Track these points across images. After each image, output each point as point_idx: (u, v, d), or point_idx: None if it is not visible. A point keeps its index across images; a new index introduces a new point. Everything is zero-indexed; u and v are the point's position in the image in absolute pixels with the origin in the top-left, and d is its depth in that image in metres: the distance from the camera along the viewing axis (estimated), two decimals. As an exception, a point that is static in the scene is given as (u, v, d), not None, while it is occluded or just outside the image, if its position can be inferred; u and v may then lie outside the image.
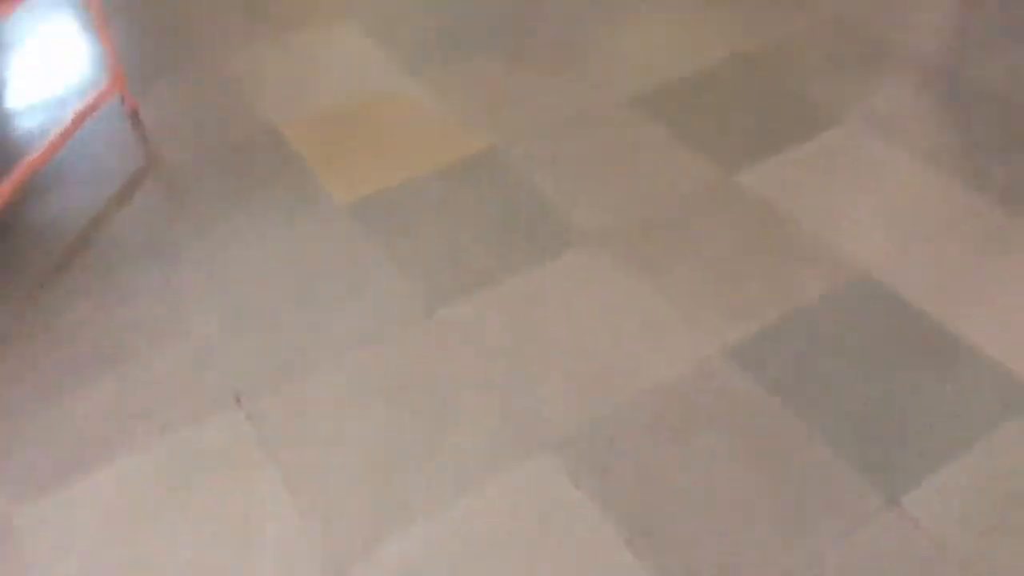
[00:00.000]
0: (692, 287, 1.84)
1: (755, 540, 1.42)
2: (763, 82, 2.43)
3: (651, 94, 2.39)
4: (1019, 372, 1.66)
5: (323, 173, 2.17)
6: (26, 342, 1.77)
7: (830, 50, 2.54)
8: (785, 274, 1.86)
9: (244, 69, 2.54)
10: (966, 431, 1.56)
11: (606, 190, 2.09)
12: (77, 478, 1.53)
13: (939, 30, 2.61)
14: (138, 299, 1.85)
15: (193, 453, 1.57)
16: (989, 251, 1.91)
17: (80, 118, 2.15)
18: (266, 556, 1.41)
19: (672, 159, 2.17)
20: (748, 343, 1.72)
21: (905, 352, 1.70)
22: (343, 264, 1.92)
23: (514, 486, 1.50)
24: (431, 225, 2.01)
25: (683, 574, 1.37)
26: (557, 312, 1.80)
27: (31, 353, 1.74)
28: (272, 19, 2.76)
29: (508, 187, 2.11)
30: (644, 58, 2.53)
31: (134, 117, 2.35)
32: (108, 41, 2.24)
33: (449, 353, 1.73)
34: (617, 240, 1.96)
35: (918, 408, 1.61)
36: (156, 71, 2.54)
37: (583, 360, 1.70)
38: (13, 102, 2.42)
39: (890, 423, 1.58)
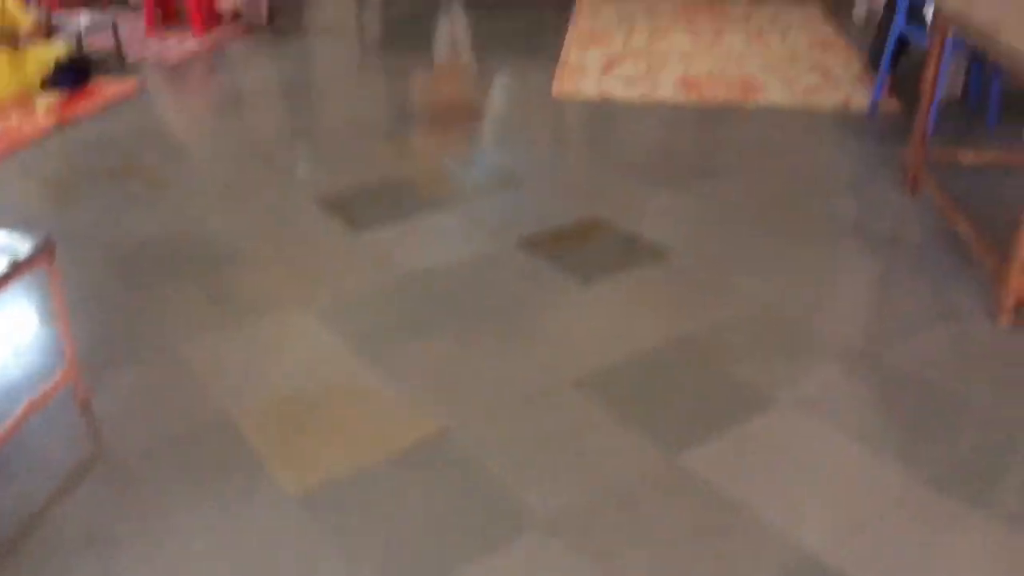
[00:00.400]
0: (643, 574, 1.83)
1: None
2: (698, 365, 2.56)
3: (594, 376, 2.50)
4: (976, 662, 1.64)
5: (274, 463, 2.17)
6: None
7: (759, 334, 2.72)
8: (733, 559, 1.87)
9: (200, 355, 2.61)
10: None
11: (556, 473, 2.12)
12: None
13: (858, 317, 2.83)
14: (71, 602, 1.77)
15: None
16: (929, 532, 1.95)
17: (31, 408, 2.16)
18: None
19: (618, 441, 2.24)
20: (704, 637, 1.69)
21: (861, 643, 1.68)
22: (290, 559, 1.88)
23: None
24: (382, 514, 2.00)
25: None
26: (509, 607, 1.76)
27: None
28: (231, 306, 2.88)
29: (459, 471, 2.13)
30: (586, 340, 2.68)
31: (85, 406, 2.36)
32: (66, 331, 2.30)
33: (398, 656, 1.65)
34: (568, 525, 1.96)
35: None
36: (112, 357, 2.59)
37: (537, 660, 1.64)
38: (-37, 391, 2.42)
39: None
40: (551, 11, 6.95)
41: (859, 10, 6.32)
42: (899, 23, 4.34)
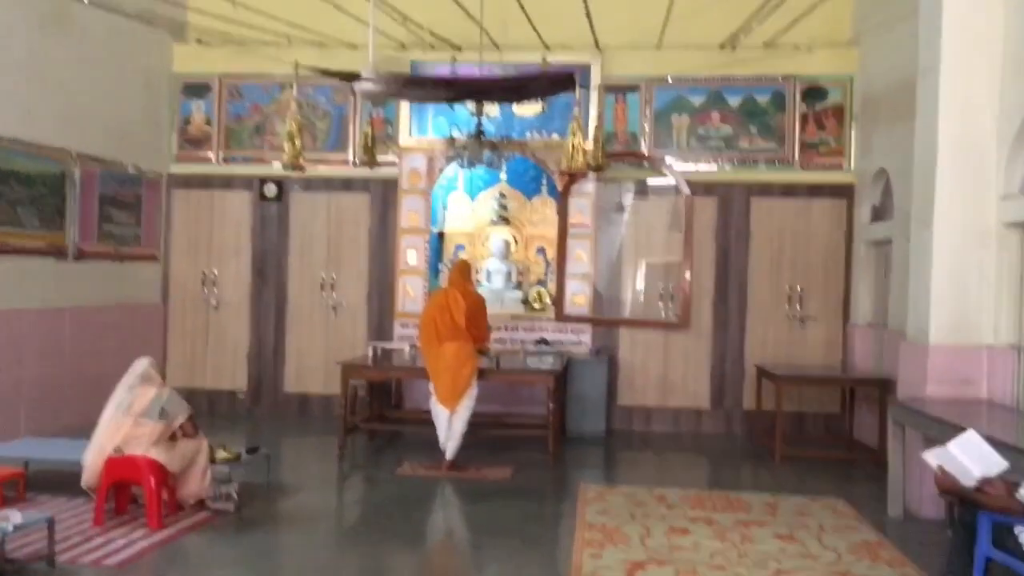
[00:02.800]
0: None
1: None
2: None
3: None
4: None
5: None
6: None
7: None
8: None
9: None
10: None
11: None
12: None
13: None
14: None
15: None
16: None
17: None
18: None
19: None
20: None
21: None
22: None
23: None
24: None
25: None
26: None
27: None
28: None
29: None
30: None
31: None
32: None
33: None
34: None
35: None
36: None
37: None
38: None
39: None
40: (551, 499, 6.35)
41: (894, 509, 5.73)
42: (983, 549, 3.67)
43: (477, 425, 7.16)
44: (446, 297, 6.88)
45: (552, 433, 7.19)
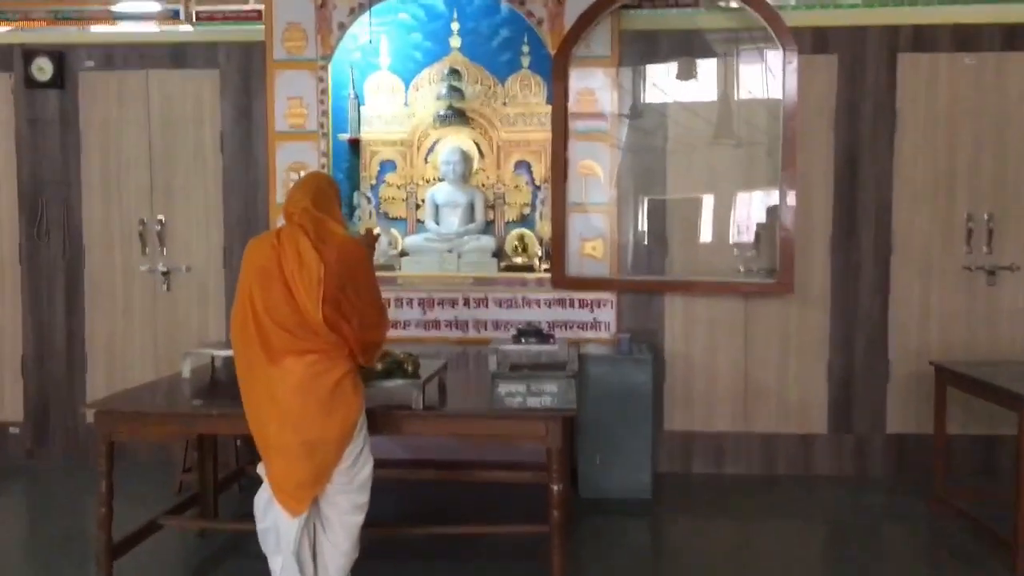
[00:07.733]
0: None
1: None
2: None
3: None
4: None
5: None
6: None
7: None
8: None
9: None
10: None
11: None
12: None
13: None
14: None
15: None
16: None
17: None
18: None
19: None
20: None
21: None
22: None
23: None
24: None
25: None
26: None
27: None
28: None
29: None
30: None
31: None
32: None
33: None
34: None
35: None
36: None
37: None
38: None
39: None
40: None
41: None
42: None
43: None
44: (278, 253, 2.96)
45: (558, 530, 3.41)
